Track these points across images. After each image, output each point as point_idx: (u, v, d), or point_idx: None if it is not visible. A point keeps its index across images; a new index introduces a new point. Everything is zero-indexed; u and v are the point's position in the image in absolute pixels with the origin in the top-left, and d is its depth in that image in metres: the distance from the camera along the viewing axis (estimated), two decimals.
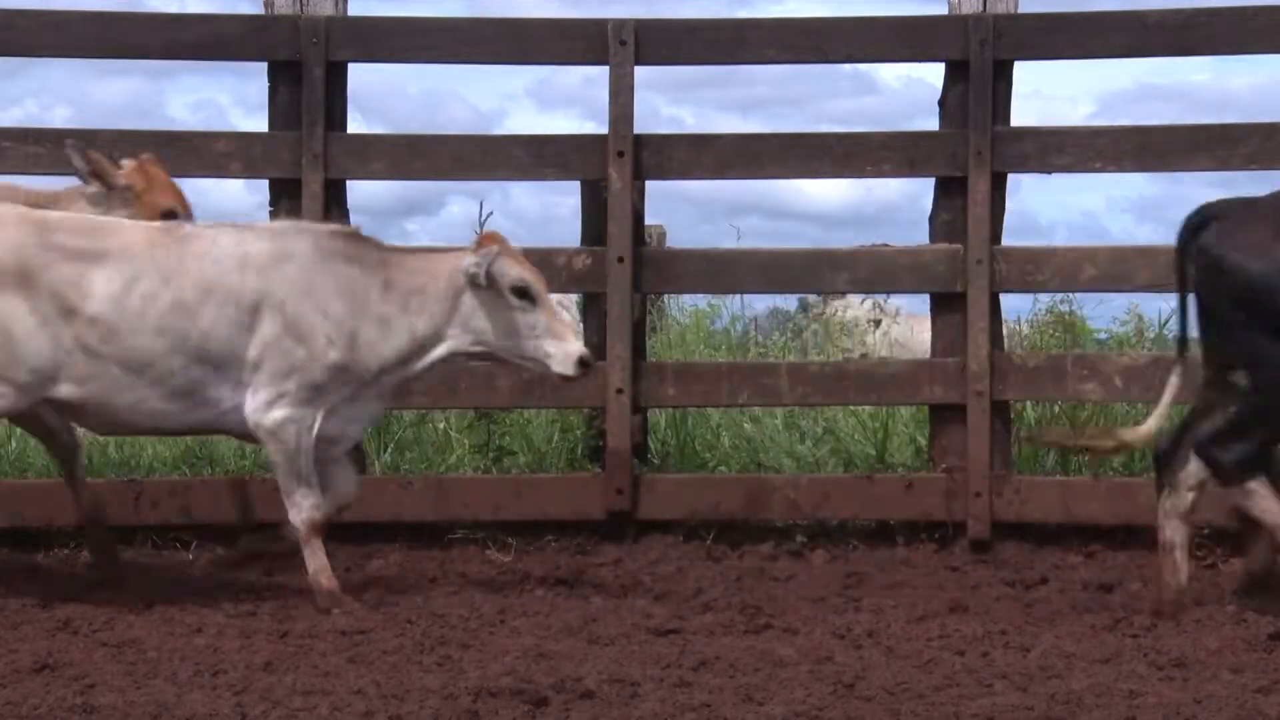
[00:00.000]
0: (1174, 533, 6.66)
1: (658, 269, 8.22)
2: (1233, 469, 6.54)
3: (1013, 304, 9.34)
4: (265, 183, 8.12)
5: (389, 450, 8.49)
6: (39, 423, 6.96)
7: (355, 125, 8.31)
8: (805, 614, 6.58)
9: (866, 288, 8.51)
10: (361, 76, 8.55)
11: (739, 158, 8.16)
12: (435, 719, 4.99)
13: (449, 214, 17.84)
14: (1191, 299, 6.69)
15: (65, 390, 6.51)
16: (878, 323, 11.90)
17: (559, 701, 5.15)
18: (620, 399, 7.98)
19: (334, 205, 7.98)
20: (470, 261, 6.70)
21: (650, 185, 8.20)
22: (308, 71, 8.02)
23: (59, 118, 18.02)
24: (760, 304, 11.58)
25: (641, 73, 8.06)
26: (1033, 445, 7.82)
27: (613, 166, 7.98)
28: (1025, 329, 9.65)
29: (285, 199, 7.99)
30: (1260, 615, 6.53)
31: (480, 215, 8.52)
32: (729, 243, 10.40)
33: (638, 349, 8.15)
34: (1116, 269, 8.08)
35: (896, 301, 11.95)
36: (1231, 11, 8.01)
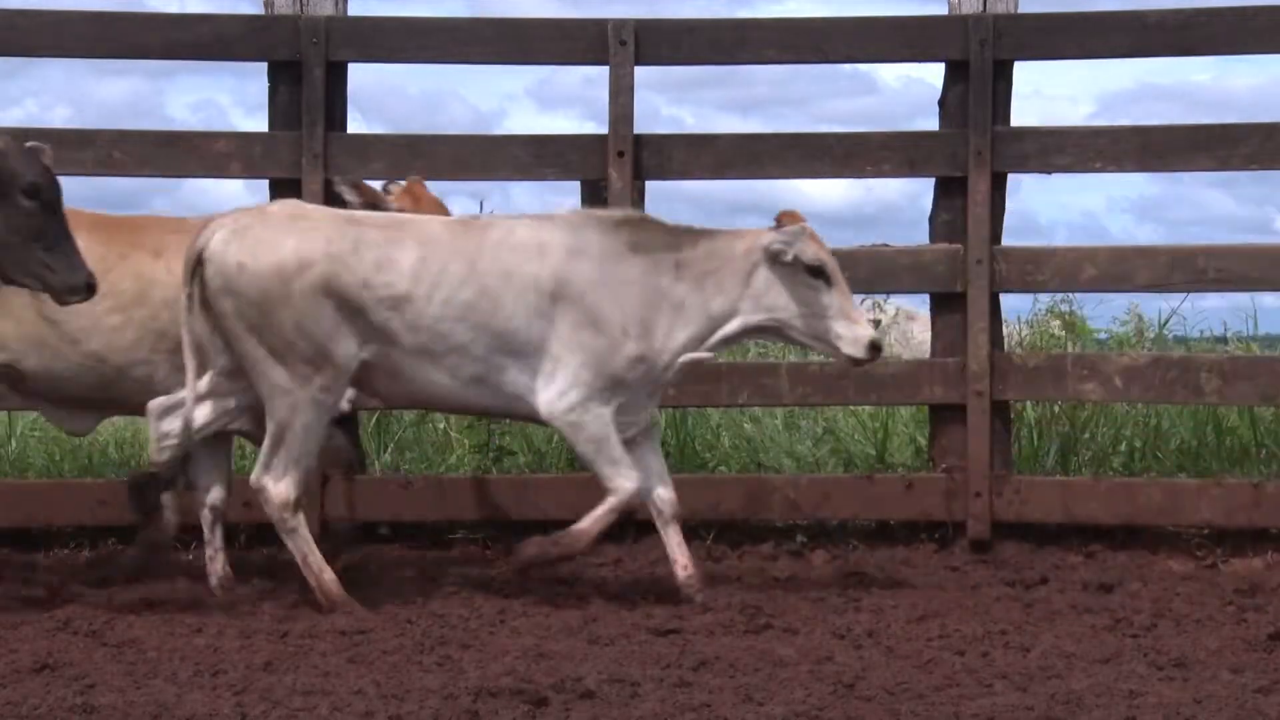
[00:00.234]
0: None
1: None
2: None
3: (1013, 304, 9.36)
4: (265, 183, 8.12)
5: (389, 450, 8.49)
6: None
7: (355, 125, 8.31)
8: (805, 614, 6.58)
9: (866, 288, 8.51)
10: (361, 76, 8.57)
11: (739, 158, 8.16)
12: (435, 719, 4.99)
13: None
14: None
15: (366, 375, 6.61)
16: (877, 323, 11.91)
17: (559, 701, 5.15)
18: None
19: (333, 205, 7.97)
20: (774, 239, 6.74)
21: (650, 185, 8.19)
22: (308, 71, 8.02)
23: (59, 118, 18.06)
24: None
25: (641, 73, 8.06)
26: None
27: (613, 166, 7.98)
28: (1025, 330, 9.68)
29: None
30: (1260, 615, 6.53)
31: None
32: None
33: None
34: (1116, 269, 8.08)
35: (896, 301, 11.95)
36: (1231, 11, 8.01)
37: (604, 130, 8.08)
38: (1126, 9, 8.17)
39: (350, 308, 6.53)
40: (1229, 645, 6.02)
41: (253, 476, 6.56)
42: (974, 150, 8.02)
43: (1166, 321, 9.55)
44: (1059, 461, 8.41)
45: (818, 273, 6.75)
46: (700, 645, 5.99)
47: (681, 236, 6.83)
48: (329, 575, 6.62)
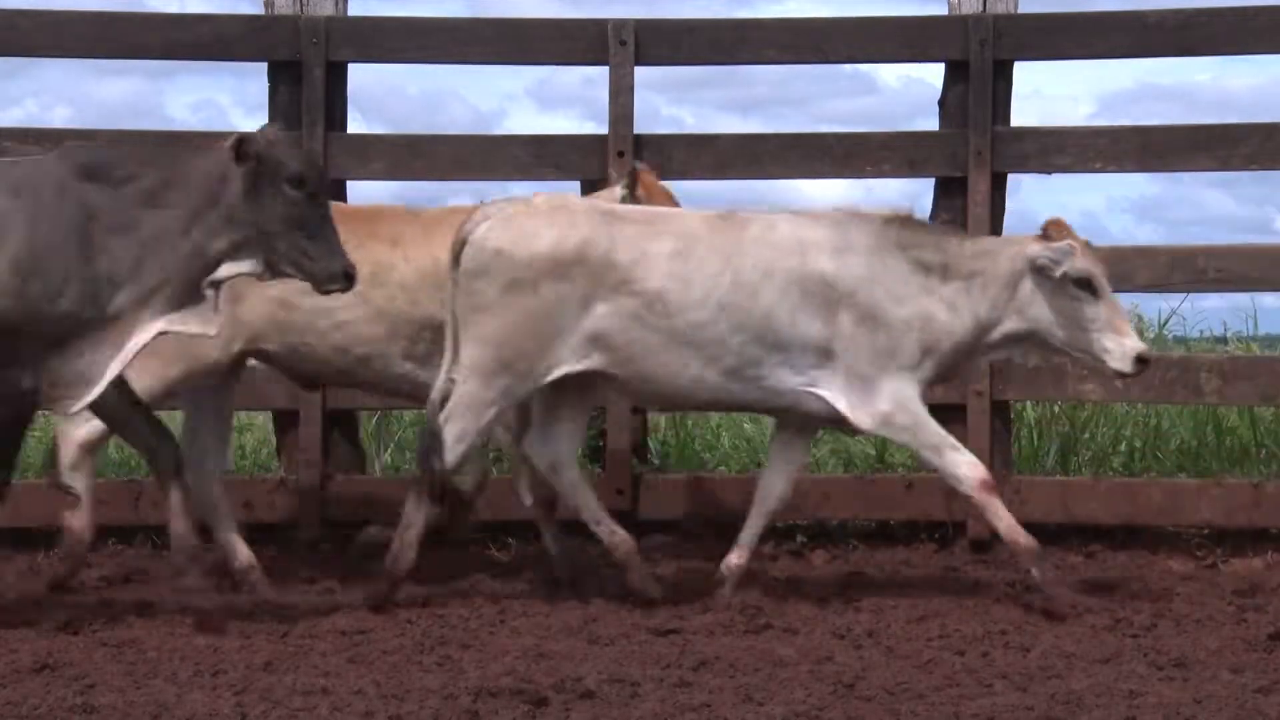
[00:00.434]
0: None
1: None
2: None
3: None
4: None
5: (389, 450, 8.49)
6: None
7: (355, 125, 8.32)
8: (805, 614, 6.58)
9: None
10: (361, 76, 8.56)
11: (739, 158, 8.17)
12: (435, 719, 4.99)
13: None
14: None
15: (611, 364, 6.60)
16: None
17: (559, 701, 5.15)
18: (620, 399, 7.98)
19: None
20: (1040, 253, 6.65)
21: None
22: (308, 71, 8.03)
23: (59, 118, 18.06)
24: None
25: (641, 73, 8.07)
26: None
27: (613, 166, 7.98)
28: None
29: None
30: (1260, 615, 6.53)
31: None
32: None
33: None
34: (1116, 269, 8.02)
35: None
36: (1231, 11, 8.01)
37: (604, 130, 8.09)
38: (1126, 9, 8.18)
39: (599, 302, 6.56)
40: (1229, 645, 6.02)
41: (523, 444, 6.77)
42: (974, 150, 8.02)
43: (1166, 322, 9.55)
44: (1059, 461, 8.41)
45: (1085, 284, 6.64)
46: (700, 645, 5.99)
47: (948, 237, 6.79)
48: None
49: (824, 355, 6.61)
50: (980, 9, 8.09)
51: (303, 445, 7.98)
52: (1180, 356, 8.33)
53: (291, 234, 6.16)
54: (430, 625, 6.28)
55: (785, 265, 6.62)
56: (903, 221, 6.78)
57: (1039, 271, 6.66)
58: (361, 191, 8.28)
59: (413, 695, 5.21)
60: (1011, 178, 8.20)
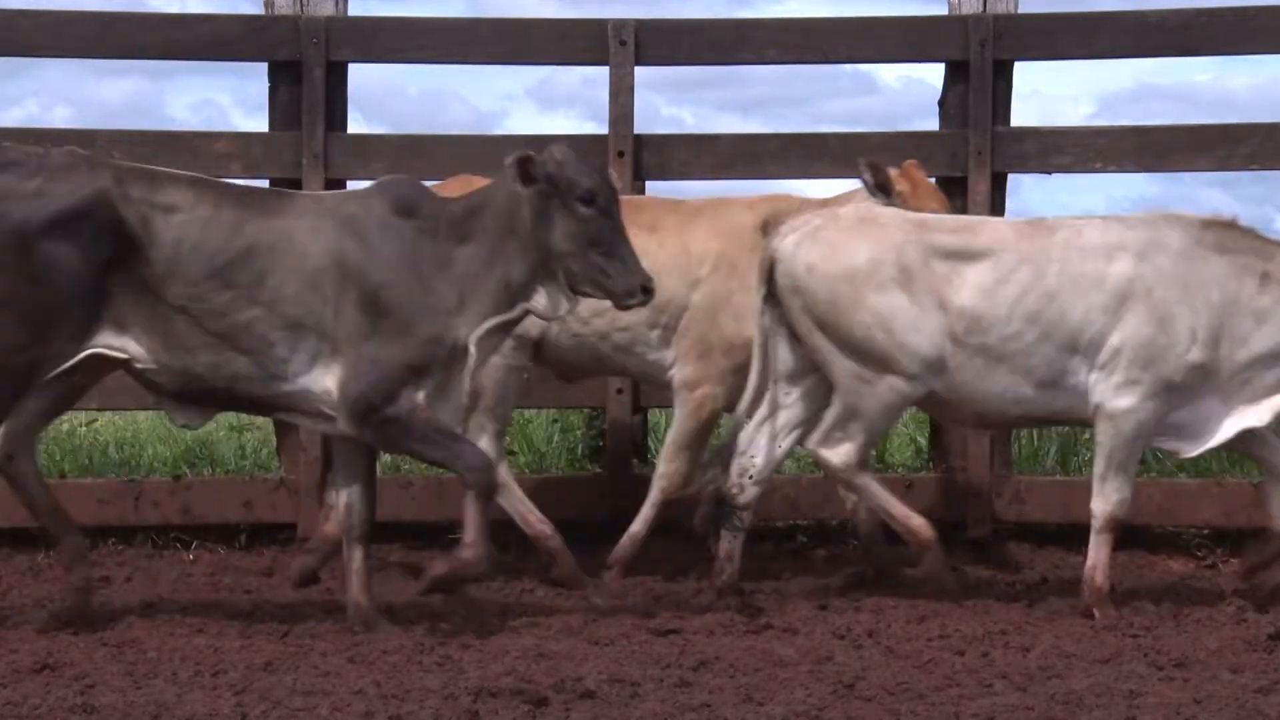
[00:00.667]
0: None
1: None
2: None
3: None
4: (266, 183, 8.12)
5: None
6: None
7: (355, 125, 8.33)
8: (805, 614, 6.58)
9: None
10: (361, 76, 8.55)
11: (739, 158, 8.17)
12: (435, 719, 4.99)
13: None
14: None
15: (935, 383, 6.61)
16: None
17: (559, 701, 5.15)
18: (620, 399, 7.98)
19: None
20: None
21: (650, 185, 8.20)
22: (308, 71, 8.03)
23: (59, 118, 17.99)
24: None
25: (641, 73, 8.07)
26: None
27: (613, 166, 7.97)
28: None
29: None
30: (1260, 615, 6.53)
31: None
32: None
33: None
34: None
35: None
36: (1231, 11, 8.01)
37: (604, 130, 8.09)
38: (1126, 9, 8.18)
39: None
40: (1229, 645, 6.02)
41: (809, 443, 6.74)
42: (974, 150, 8.02)
43: None
44: (1059, 461, 8.41)
45: None
46: (700, 645, 5.99)
47: (1273, 247, 6.65)
48: (917, 520, 6.83)
49: (1115, 351, 6.54)
50: (980, 9, 8.09)
51: (303, 445, 7.97)
52: None
53: (586, 252, 6.15)
54: (430, 625, 6.28)
55: (1094, 269, 6.54)
56: (1222, 227, 6.65)
57: None
58: None
59: (413, 695, 5.21)
60: (1011, 178, 8.21)
